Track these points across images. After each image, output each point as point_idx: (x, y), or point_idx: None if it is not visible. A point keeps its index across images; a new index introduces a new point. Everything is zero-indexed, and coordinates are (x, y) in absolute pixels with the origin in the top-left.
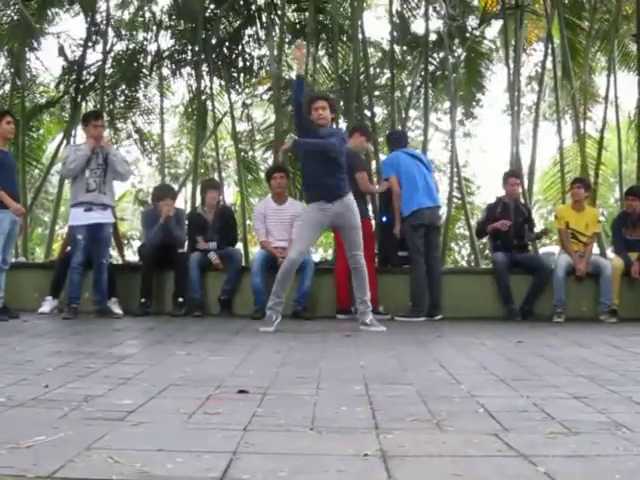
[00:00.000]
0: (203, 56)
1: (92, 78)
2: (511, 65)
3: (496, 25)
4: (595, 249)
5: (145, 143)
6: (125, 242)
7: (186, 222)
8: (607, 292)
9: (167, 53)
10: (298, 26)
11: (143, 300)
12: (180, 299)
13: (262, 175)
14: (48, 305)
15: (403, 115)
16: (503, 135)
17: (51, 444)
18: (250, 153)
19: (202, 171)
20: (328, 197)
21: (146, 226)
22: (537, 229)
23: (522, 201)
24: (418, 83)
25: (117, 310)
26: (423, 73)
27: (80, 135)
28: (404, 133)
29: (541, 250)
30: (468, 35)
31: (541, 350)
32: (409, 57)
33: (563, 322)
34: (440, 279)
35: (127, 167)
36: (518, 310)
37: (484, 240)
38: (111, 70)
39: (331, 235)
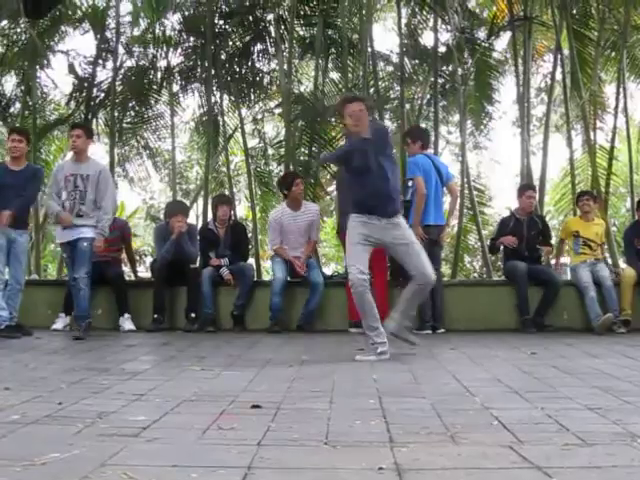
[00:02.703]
0: (213, 72)
1: (102, 95)
2: (520, 77)
3: (505, 37)
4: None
5: (156, 159)
6: (137, 258)
7: (198, 237)
8: (612, 303)
9: (177, 69)
10: (307, 41)
11: (156, 316)
12: (193, 314)
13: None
14: (61, 322)
15: None
16: (514, 146)
17: (66, 461)
18: (264, 167)
19: (213, 186)
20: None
21: (158, 242)
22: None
23: (538, 213)
24: (428, 96)
25: (130, 326)
26: (433, 86)
27: (91, 151)
28: (424, 131)
29: (553, 262)
30: (477, 47)
31: (555, 361)
32: (419, 70)
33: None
34: (442, 293)
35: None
36: (531, 322)
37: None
38: (121, 87)
39: (342, 248)
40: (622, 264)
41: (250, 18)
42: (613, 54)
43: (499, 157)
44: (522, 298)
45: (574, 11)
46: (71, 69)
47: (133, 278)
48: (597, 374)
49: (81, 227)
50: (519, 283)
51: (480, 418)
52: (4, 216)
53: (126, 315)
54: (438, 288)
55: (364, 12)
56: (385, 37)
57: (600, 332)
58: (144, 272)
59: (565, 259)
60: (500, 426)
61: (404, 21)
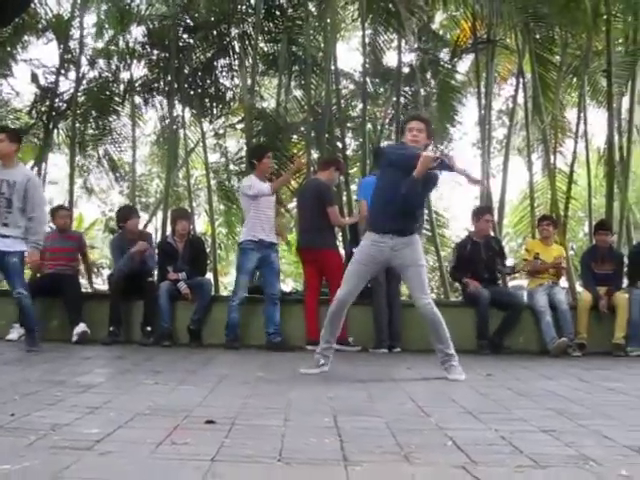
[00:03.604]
0: (176, 85)
1: (64, 105)
2: (482, 99)
3: (468, 59)
4: (563, 283)
5: (117, 171)
6: (95, 270)
7: (156, 250)
8: (567, 326)
9: (140, 82)
10: (271, 57)
11: (112, 329)
12: (148, 328)
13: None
14: (16, 332)
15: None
16: (474, 168)
17: (17, 473)
18: (227, 183)
19: (173, 200)
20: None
21: (115, 253)
22: (508, 262)
23: (492, 235)
24: (390, 115)
25: (84, 328)
26: (395, 105)
27: (51, 162)
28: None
29: (510, 284)
30: (440, 68)
31: (510, 383)
32: (381, 89)
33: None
34: (400, 311)
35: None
36: (487, 344)
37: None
38: (83, 98)
39: (300, 265)
40: (579, 288)
41: (214, 33)
42: (575, 79)
43: (459, 178)
44: (483, 323)
45: (537, 35)
46: (34, 78)
47: (90, 290)
48: (551, 396)
49: (7, 238)
50: (481, 309)
51: (434, 438)
52: None
53: (81, 324)
54: (396, 307)
55: (329, 30)
56: (349, 56)
57: (555, 355)
58: (101, 284)
59: (522, 282)
60: (454, 447)
61: (368, 41)
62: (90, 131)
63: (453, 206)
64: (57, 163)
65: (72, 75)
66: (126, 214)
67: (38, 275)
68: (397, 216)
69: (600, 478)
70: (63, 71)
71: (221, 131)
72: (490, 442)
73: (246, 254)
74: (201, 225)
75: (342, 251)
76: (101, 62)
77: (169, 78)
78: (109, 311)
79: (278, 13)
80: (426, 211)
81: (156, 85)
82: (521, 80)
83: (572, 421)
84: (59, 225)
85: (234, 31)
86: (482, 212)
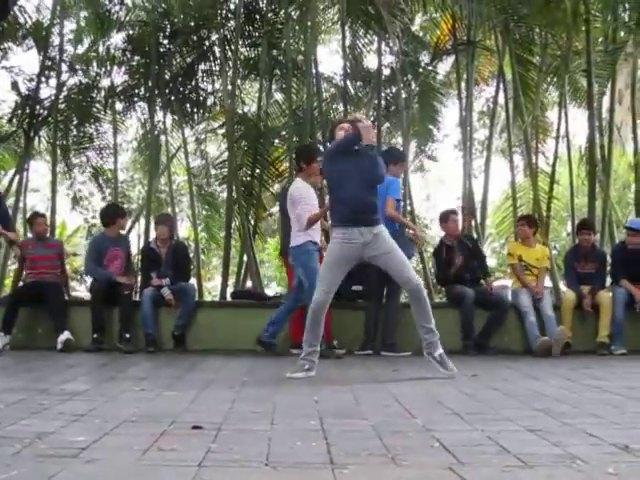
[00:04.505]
0: (156, 91)
1: (45, 112)
2: (463, 100)
3: (449, 60)
4: (547, 282)
5: (99, 178)
6: (78, 277)
7: (139, 257)
8: (552, 330)
9: (120, 88)
10: (252, 61)
11: (95, 336)
12: (127, 335)
13: (216, 209)
14: (0, 341)
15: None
16: (456, 169)
17: None
18: (207, 189)
19: (155, 206)
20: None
21: (92, 254)
22: (488, 260)
23: (466, 234)
24: (372, 118)
25: (67, 336)
26: (376, 108)
27: (33, 169)
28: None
29: (494, 284)
30: (421, 70)
31: (495, 383)
32: (362, 92)
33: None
34: (393, 316)
35: None
36: (473, 345)
37: (433, 269)
38: (64, 105)
39: (284, 269)
40: (562, 287)
41: (194, 38)
42: (555, 79)
43: (444, 178)
44: (467, 323)
45: (517, 36)
46: (14, 86)
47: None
48: (537, 396)
49: None
50: (466, 309)
51: (421, 440)
52: None
53: (65, 332)
54: (390, 309)
55: (309, 34)
56: (330, 59)
57: (540, 355)
58: (84, 292)
59: (507, 281)
60: (441, 448)
61: (348, 43)
62: (71, 138)
63: (437, 205)
64: (38, 170)
65: (53, 82)
66: (116, 213)
67: (21, 283)
68: (362, 206)
69: (587, 477)
70: (43, 78)
71: (202, 136)
72: (477, 443)
73: (312, 254)
74: (184, 230)
75: None
76: (81, 69)
77: (150, 84)
78: (92, 318)
79: (258, 17)
80: (409, 217)
81: (137, 91)
82: (502, 81)
83: (558, 420)
84: (39, 232)
85: (214, 36)
86: (448, 214)
